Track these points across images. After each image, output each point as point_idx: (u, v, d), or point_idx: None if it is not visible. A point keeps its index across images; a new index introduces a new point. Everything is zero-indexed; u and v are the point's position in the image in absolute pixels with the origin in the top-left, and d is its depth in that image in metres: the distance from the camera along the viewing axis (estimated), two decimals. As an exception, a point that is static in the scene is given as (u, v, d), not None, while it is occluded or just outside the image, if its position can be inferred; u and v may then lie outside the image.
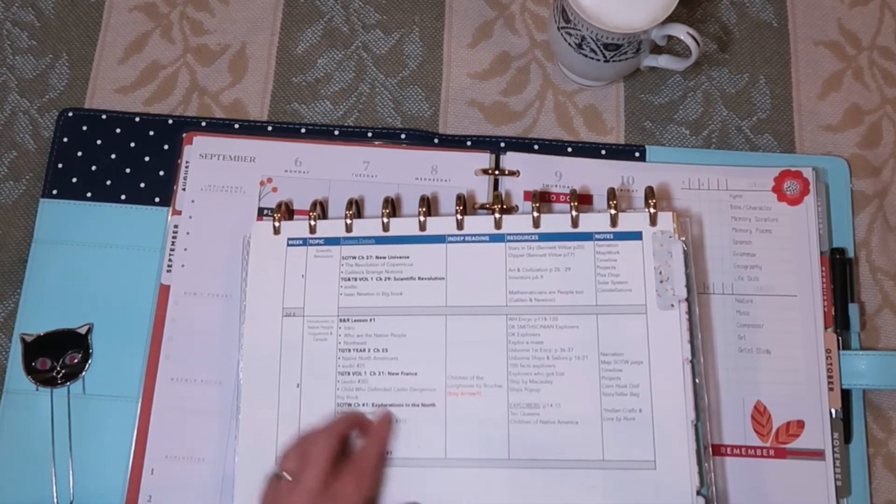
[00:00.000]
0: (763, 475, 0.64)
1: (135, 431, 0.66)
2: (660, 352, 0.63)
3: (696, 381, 0.63)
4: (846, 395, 0.67)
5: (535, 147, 0.73)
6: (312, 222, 0.68)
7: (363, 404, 0.64)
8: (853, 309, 0.68)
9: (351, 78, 0.76)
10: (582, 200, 0.70)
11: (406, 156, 0.72)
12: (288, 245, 0.68)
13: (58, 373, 0.68)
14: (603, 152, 0.73)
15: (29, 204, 0.73)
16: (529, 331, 0.65)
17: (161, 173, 0.72)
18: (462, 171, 0.72)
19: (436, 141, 0.73)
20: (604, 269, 0.65)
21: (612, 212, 0.66)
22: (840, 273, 0.69)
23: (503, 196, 0.69)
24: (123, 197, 0.72)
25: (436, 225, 0.67)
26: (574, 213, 0.66)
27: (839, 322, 0.68)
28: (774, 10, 0.78)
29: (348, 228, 0.68)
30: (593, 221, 0.66)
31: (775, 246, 0.69)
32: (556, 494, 0.62)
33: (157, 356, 0.68)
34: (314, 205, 0.69)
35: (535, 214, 0.66)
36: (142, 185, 0.72)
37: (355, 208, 0.68)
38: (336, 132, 0.74)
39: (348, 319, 0.66)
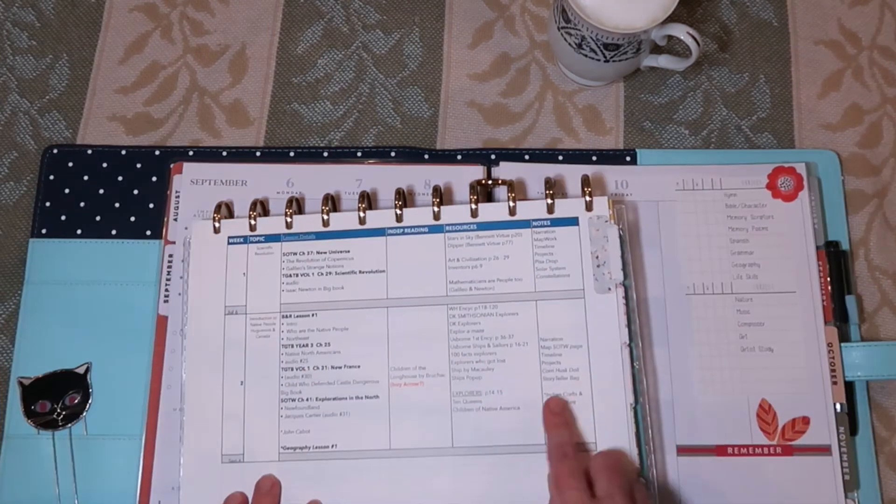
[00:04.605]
0: (771, 474, 0.64)
1: (140, 467, 0.66)
2: (598, 336, 0.64)
3: (635, 365, 0.64)
4: (850, 387, 0.67)
5: (526, 157, 0.73)
6: (252, 220, 0.68)
7: (307, 399, 0.65)
8: (850, 301, 0.69)
9: (351, 78, 0.76)
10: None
11: (399, 171, 0.72)
12: (228, 243, 0.68)
13: (58, 415, 0.67)
14: (594, 158, 0.73)
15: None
16: (470, 320, 0.65)
17: (151, 206, 0.72)
18: (455, 184, 0.71)
19: (426, 157, 0.73)
20: (542, 255, 0.66)
21: (549, 201, 0.66)
22: (835, 266, 0.69)
23: (441, 188, 0.70)
24: (114, 232, 0.71)
25: (375, 218, 0.68)
26: (511, 202, 0.67)
27: (838, 315, 0.68)
28: (774, 10, 0.78)
29: (288, 225, 0.68)
30: (530, 209, 0.67)
31: (772, 243, 0.69)
32: (501, 480, 0.63)
33: (158, 388, 0.67)
34: (254, 204, 0.69)
35: (473, 206, 0.67)
36: (132, 218, 0.72)
37: (295, 205, 0.69)
38: (325, 154, 0.73)
39: (291, 315, 0.66)
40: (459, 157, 0.73)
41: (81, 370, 0.68)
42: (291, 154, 0.74)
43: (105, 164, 0.73)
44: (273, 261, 0.68)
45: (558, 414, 0.63)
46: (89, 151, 0.74)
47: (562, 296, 0.65)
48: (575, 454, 0.61)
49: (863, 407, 0.67)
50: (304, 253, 0.68)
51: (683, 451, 0.65)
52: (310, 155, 0.74)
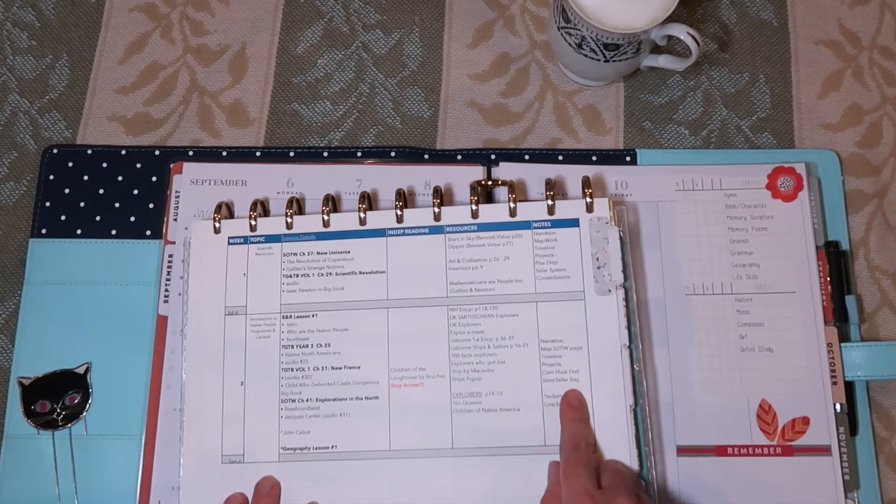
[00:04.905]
0: (771, 474, 0.64)
1: (140, 467, 0.66)
2: (598, 337, 0.64)
3: (635, 366, 0.64)
4: (850, 387, 0.67)
5: (526, 157, 0.73)
6: (252, 221, 0.68)
7: (307, 399, 0.65)
8: (850, 300, 0.69)
9: (351, 78, 0.76)
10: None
11: (399, 171, 0.72)
12: (229, 244, 0.68)
13: (58, 415, 0.67)
14: (594, 158, 0.73)
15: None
16: (470, 321, 0.66)
17: (151, 206, 0.72)
18: (456, 185, 0.71)
19: (426, 157, 0.73)
20: (542, 256, 0.66)
21: (549, 202, 0.66)
22: (835, 266, 0.69)
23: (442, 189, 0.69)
24: (114, 232, 0.71)
25: (375, 219, 0.68)
26: (512, 203, 0.67)
27: (838, 315, 0.68)
28: (774, 10, 0.78)
29: (289, 226, 0.68)
30: (531, 210, 0.67)
31: (772, 243, 0.69)
32: (500, 481, 0.63)
33: (157, 388, 0.67)
34: (254, 204, 0.69)
35: (474, 207, 0.67)
36: (132, 218, 0.71)
37: (296, 206, 0.69)
38: (325, 154, 0.73)
39: (291, 316, 0.66)
40: (459, 157, 0.73)
41: (81, 370, 0.68)
42: (291, 154, 0.74)
43: (105, 164, 0.73)
44: (273, 261, 0.68)
45: (576, 408, 0.63)
46: (89, 151, 0.74)
47: (562, 297, 0.65)
48: (587, 448, 0.61)
49: (863, 407, 0.67)
50: (304, 253, 0.68)
51: (683, 451, 0.65)
52: (310, 155, 0.73)
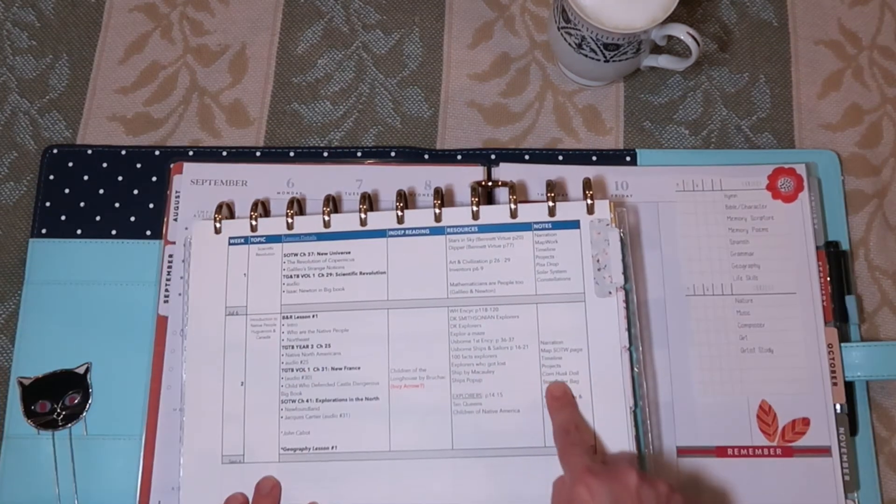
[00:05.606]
0: (771, 475, 0.64)
1: (140, 467, 0.66)
2: (598, 339, 0.64)
3: (635, 369, 0.64)
4: (850, 387, 0.67)
5: (526, 157, 0.73)
6: (253, 221, 0.68)
7: (307, 400, 0.65)
8: (850, 301, 0.69)
9: (351, 78, 0.76)
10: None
11: (399, 172, 0.72)
12: (229, 244, 0.68)
13: (58, 415, 0.67)
14: (594, 158, 0.73)
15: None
16: (471, 322, 0.66)
17: (151, 206, 0.72)
18: (456, 185, 0.71)
19: (426, 157, 0.73)
20: (543, 258, 0.66)
21: (550, 204, 0.66)
22: (836, 266, 0.69)
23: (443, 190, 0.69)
24: (114, 232, 0.71)
25: (376, 220, 0.68)
26: (513, 205, 0.67)
27: (838, 315, 0.68)
28: (774, 10, 0.78)
29: (289, 226, 0.68)
30: (532, 212, 0.67)
31: (772, 244, 0.69)
32: (500, 482, 0.63)
33: (158, 388, 0.67)
34: (255, 204, 0.69)
35: (475, 209, 0.67)
36: (132, 218, 0.71)
37: (296, 206, 0.69)
38: (325, 154, 0.73)
39: (291, 316, 0.67)
40: (459, 157, 0.73)
41: (81, 370, 0.68)
42: (291, 154, 0.74)
43: (105, 164, 0.73)
44: (274, 262, 0.68)
45: (559, 398, 0.63)
46: (89, 151, 0.74)
47: (562, 299, 0.65)
48: (577, 430, 0.61)
49: (863, 407, 0.67)
50: (304, 254, 0.68)
51: (683, 452, 0.65)
52: (310, 155, 0.73)
